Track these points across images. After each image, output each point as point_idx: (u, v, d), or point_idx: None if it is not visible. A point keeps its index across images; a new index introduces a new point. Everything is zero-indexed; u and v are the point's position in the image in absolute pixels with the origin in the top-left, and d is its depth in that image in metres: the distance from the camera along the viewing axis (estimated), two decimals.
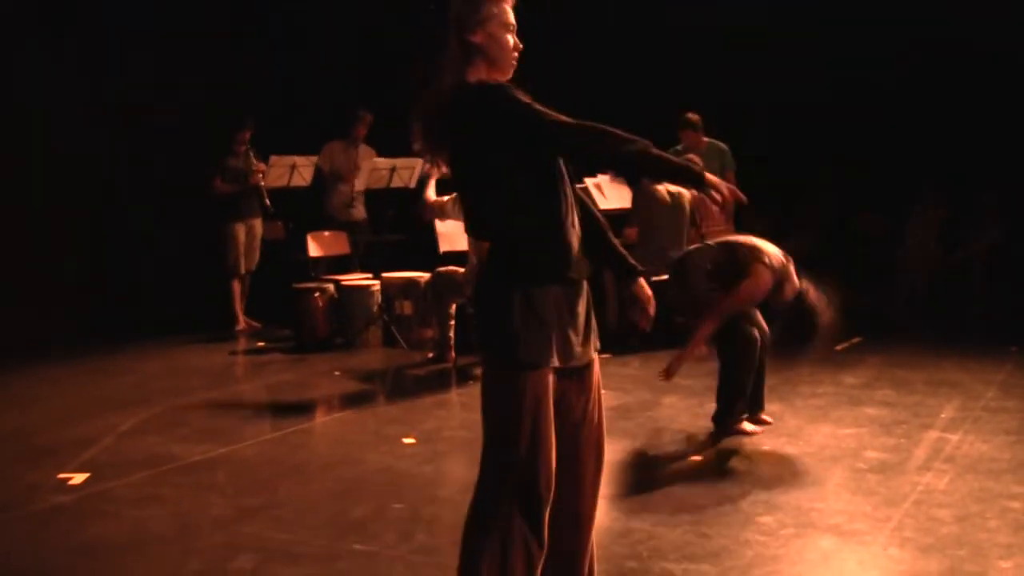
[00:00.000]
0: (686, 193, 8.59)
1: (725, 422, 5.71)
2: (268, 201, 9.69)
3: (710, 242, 5.98)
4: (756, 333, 5.64)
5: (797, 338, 5.84)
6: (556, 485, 2.94)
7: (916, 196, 10.48)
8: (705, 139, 9.53)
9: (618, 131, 2.82)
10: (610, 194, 9.49)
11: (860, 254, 10.55)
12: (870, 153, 10.62)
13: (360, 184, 9.78)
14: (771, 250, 5.56)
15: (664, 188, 8.50)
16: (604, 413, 3.15)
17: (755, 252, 5.52)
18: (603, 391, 3.14)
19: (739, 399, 5.64)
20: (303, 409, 6.89)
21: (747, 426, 5.72)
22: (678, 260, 5.98)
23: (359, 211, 10.17)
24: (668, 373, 5.56)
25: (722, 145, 9.55)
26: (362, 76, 11.42)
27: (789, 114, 10.63)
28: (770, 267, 5.46)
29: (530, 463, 2.86)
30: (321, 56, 11.59)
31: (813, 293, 5.60)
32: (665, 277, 8.39)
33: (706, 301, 5.56)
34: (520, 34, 3.00)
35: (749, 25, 10.47)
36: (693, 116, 9.46)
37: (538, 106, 2.83)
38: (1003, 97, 10.04)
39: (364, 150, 10.12)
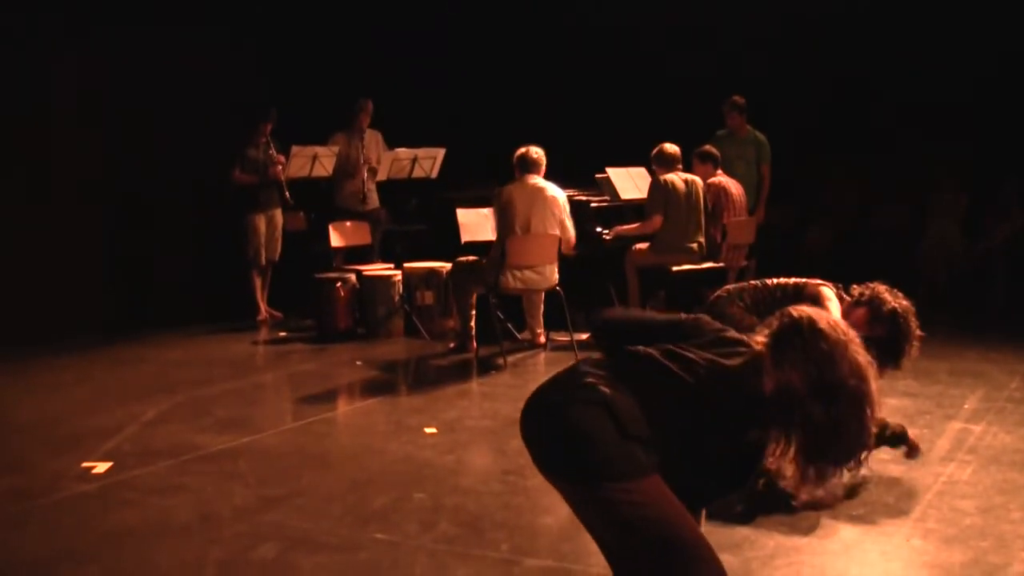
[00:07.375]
0: (700, 182, 8.53)
1: None
2: (288, 194, 9.68)
3: (769, 282, 5.19)
4: None
5: None
6: None
7: (936, 185, 10.40)
8: (748, 126, 9.58)
9: None
10: (627, 185, 9.45)
11: (881, 244, 10.50)
12: (892, 142, 10.57)
13: (381, 174, 9.74)
14: (834, 305, 4.84)
15: (680, 178, 8.44)
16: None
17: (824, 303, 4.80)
18: None
19: None
20: (325, 399, 6.91)
21: None
22: (712, 301, 5.29)
23: (373, 201, 10.15)
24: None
25: (761, 137, 9.58)
26: (375, 65, 11.40)
27: (808, 105, 10.60)
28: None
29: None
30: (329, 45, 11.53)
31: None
32: (684, 267, 8.41)
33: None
34: None
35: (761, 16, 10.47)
36: (740, 99, 9.51)
37: None
38: None
39: (371, 135, 10.07)
